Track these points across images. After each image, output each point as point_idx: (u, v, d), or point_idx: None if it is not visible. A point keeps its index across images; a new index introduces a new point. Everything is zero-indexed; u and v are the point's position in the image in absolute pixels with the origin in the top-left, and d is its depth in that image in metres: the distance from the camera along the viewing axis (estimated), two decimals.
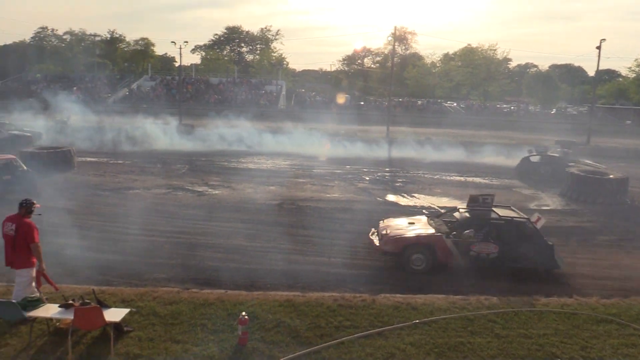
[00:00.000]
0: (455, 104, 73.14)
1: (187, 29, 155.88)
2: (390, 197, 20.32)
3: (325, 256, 12.51)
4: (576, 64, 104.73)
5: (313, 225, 15.25)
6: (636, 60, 75.34)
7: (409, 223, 12.99)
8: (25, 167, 18.76)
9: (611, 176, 21.38)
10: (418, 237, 11.99)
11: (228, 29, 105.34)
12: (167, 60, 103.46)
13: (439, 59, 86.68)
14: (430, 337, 8.15)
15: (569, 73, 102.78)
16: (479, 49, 78.70)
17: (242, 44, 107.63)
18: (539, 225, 12.06)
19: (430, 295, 9.96)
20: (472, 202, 12.94)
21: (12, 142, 27.05)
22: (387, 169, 27.53)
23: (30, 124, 34.39)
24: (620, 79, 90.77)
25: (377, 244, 12.22)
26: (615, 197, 20.42)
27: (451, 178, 25.40)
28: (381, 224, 13.27)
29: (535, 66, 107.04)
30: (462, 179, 25.32)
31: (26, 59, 76.10)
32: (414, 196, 20.52)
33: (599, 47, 43.19)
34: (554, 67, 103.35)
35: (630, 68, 78.32)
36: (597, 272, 12.38)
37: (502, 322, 8.77)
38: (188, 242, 13.25)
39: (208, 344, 7.65)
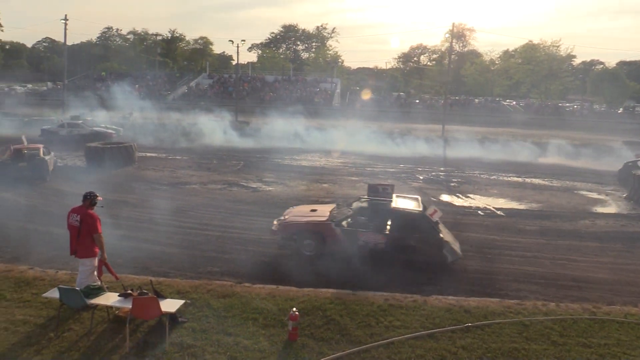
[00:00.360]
0: (514, 103, 70.92)
1: (245, 27, 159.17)
2: (445, 197, 19.94)
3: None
4: None
5: None
6: None
7: (312, 210, 13.04)
8: (43, 156, 20.31)
9: None
10: (307, 224, 12.08)
11: (284, 27, 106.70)
12: (224, 59, 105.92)
13: (498, 56, 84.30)
14: (483, 342, 7.95)
15: (639, 70, 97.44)
16: (541, 46, 76.05)
17: (298, 42, 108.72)
18: (435, 217, 11.81)
19: (483, 298, 9.70)
20: (372, 191, 12.72)
21: (93, 138, 28.56)
22: (441, 169, 27.06)
23: (95, 120, 35.96)
24: None
25: (273, 229, 12.30)
26: None
27: (509, 179, 24.67)
28: (288, 210, 13.36)
29: (602, 63, 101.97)
30: (521, 179, 24.52)
31: (92, 58, 79.62)
32: (469, 197, 20.06)
33: None
34: (622, 63, 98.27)
35: None
36: None
37: (559, 330, 8.43)
38: (241, 237, 13.48)
39: (259, 338, 7.76)
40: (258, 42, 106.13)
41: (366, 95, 67.54)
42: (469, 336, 8.10)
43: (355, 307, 8.91)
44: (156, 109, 45.99)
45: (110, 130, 32.23)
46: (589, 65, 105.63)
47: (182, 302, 8.11)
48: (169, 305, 7.81)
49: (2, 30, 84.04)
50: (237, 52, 49.56)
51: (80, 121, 32.91)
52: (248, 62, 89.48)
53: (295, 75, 76.32)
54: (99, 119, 36.49)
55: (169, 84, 70.83)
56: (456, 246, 11.80)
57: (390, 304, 9.11)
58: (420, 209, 12.14)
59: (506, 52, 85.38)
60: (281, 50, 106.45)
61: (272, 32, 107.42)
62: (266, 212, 16.04)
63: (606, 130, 46.06)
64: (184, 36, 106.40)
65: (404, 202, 12.51)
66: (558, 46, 75.15)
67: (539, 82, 76.85)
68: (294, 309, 7.90)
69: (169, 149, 30.00)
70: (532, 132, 44.12)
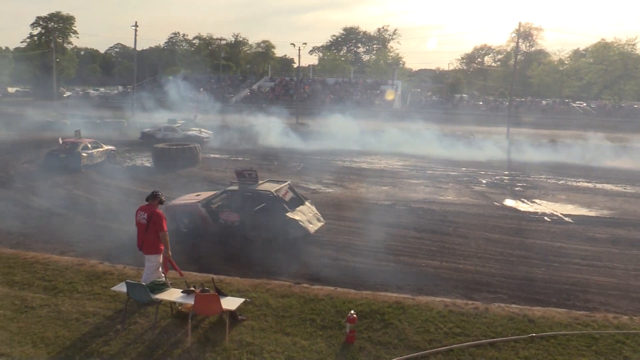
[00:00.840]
0: (584, 104, 67.71)
1: (306, 30, 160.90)
2: (509, 202, 19.26)
3: (437, 259, 12.20)
4: None
5: (425, 227, 14.95)
6: None
7: (197, 195, 14.84)
8: (80, 151, 23.33)
9: None
10: (181, 205, 13.92)
11: (345, 29, 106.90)
12: (286, 62, 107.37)
13: (567, 55, 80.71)
14: (548, 353, 7.61)
15: None
16: (615, 44, 72.10)
17: (359, 44, 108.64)
18: (286, 197, 13.48)
19: (549, 308, 9.29)
20: (239, 177, 14.08)
21: (185, 141, 29.24)
22: (506, 172, 26.22)
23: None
24: None
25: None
26: None
27: (578, 184, 23.55)
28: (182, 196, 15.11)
29: None
30: (591, 185, 23.34)
31: (160, 63, 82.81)
32: (534, 202, 19.31)
33: None
34: None
35: None
36: None
37: (632, 345, 7.95)
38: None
39: (316, 339, 7.80)
40: (319, 44, 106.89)
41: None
42: (533, 347, 7.79)
43: (414, 312, 8.78)
44: (220, 112, 47.25)
45: (203, 135, 32.94)
46: None
47: (242, 300, 8.26)
48: (230, 303, 7.98)
49: (77, 37, 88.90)
50: (299, 55, 50.54)
51: (177, 124, 33.69)
52: (309, 65, 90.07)
53: (356, 78, 76.29)
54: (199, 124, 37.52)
55: (232, 87, 72.60)
56: (311, 225, 13.11)
57: (450, 310, 8.91)
58: (270, 190, 13.39)
59: (576, 52, 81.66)
60: (342, 52, 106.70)
61: (334, 35, 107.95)
62: (325, 214, 16.11)
63: None
64: (247, 40, 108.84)
65: (265, 185, 13.91)
66: (634, 44, 71.08)
67: (612, 83, 72.98)
68: (352, 311, 7.88)
69: (231, 150, 30.72)
70: (604, 135, 41.89)
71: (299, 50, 49.94)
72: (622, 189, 22.65)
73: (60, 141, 24.38)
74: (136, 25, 52.90)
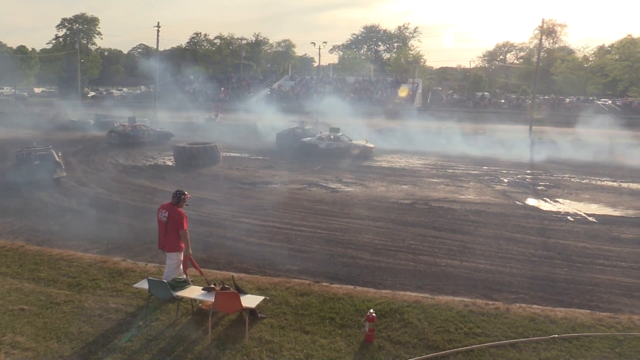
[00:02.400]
0: (609, 102, 66.41)
1: (326, 29, 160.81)
2: (531, 201, 19.00)
3: (457, 259, 12.11)
4: None
5: (445, 226, 14.85)
6: None
7: None
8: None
9: None
10: None
11: (365, 28, 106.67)
12: (306, 61, 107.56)
13: (592, 52, 79.18)
14: (570, 355, 7.50)
15: None
16: None
17: (379, 43, 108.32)
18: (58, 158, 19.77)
19: (572, 309, 9.15)
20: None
21: (346, 150, 28.81)
22: (528, 171, 25.87)
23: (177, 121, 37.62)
24: None
25: None
26: None
27: (602, 183, 23.13)
28: None
29: None
30: (616, 184, 22.89)
31: (182, 63, 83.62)
32: (557, 201, 19.02)
33: None
34: None
35: None
36: None
37: None
38: (320, 236, 13.62)
39: (335, 338, 7.81)
40: (339, 43, 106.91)
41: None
42: (555, 348, 7.68)
43: (434, 311, 8.73)
44: (240, 110, 47.53)
45: (369, 145, 30.12)
46: None
47: (261, 298, 8.32)
48: (249, 300, 8.03)
49: (101, 39, 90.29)
50: (319, 54, 50.45)
51: (340, 134, 30.53)
52: (329, 64, 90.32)
53: (376, 76, 76.05)
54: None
55: (253, 86, 72.96)
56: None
57: (471, 310, 8.84)
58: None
59: (601, 48, 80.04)
60: (362, 51, 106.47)
61: (354, 33, 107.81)
62: (345, 213, 16.12)
63: None
64: (267, 39, 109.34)
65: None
66: None
67: (638, 80, 71.44)
68: (371, 310, 7.87)
69: (252, 149, 30.89)
70: (630, 132, 41.09)
71: (319, 49, 49.98)
72: None
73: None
74: (158, 26, 53.56)
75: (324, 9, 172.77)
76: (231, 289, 8.17)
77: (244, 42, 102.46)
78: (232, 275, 9.33)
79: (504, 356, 7.42)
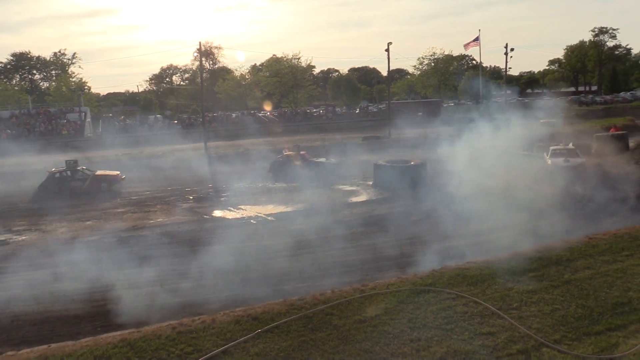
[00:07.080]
0: (268, 113, 74.95)
1: None
2: (217, 213, 20.20)
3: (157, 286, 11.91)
4: (371, 66, 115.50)
5: (138, 255, 14.38)
6: (419, 59, 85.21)
7: None
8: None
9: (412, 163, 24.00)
10: None
11: (15, 55, 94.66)
12: None
13: (247, 70, 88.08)
14: (274, 343, 8.22)
15: (366, 75, 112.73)
16: (284, 59, 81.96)
17: (34, 71, 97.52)
18: None
19: (267, 302, 10.00)
20: None
21: None
22: (210, 185, 26.98)
23: None
24: (409, 77, 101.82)
25: None
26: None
27: (274, 185, 26.00)
28: None
29: (337, 71, 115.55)
30: (285, 184, 25.99)
31: None
32: (240, 208, 20.62)
33: (387, 50, 48.01)
34: (353, 70, 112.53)
35: (415, 66, 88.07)
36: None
37: (338, 313, 9.19)
38: None
39: None
40: None
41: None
42: (261, 342, 8.29)
43: (143, 344, 8.37)
44: None
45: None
46: (326, 74, 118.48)
47: None
48: None
49: None
50: None
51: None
52: None
53: (36, 108, 68.29)
54: None
55: None
56: None
57: (179, 331, 8.76)
58: None
59: (254, 67, 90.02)
60: (14, 81, 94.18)
61: (1, 62, 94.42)
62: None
63: (350, 130, 51.91)
64: None
65: None
66: (299, 58, 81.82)
67: (287, 92, 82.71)
68: None
69: None
70: (292, 138, 46.14)
71: None
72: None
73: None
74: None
75: None
76: None
77: None
78: None
79: None
